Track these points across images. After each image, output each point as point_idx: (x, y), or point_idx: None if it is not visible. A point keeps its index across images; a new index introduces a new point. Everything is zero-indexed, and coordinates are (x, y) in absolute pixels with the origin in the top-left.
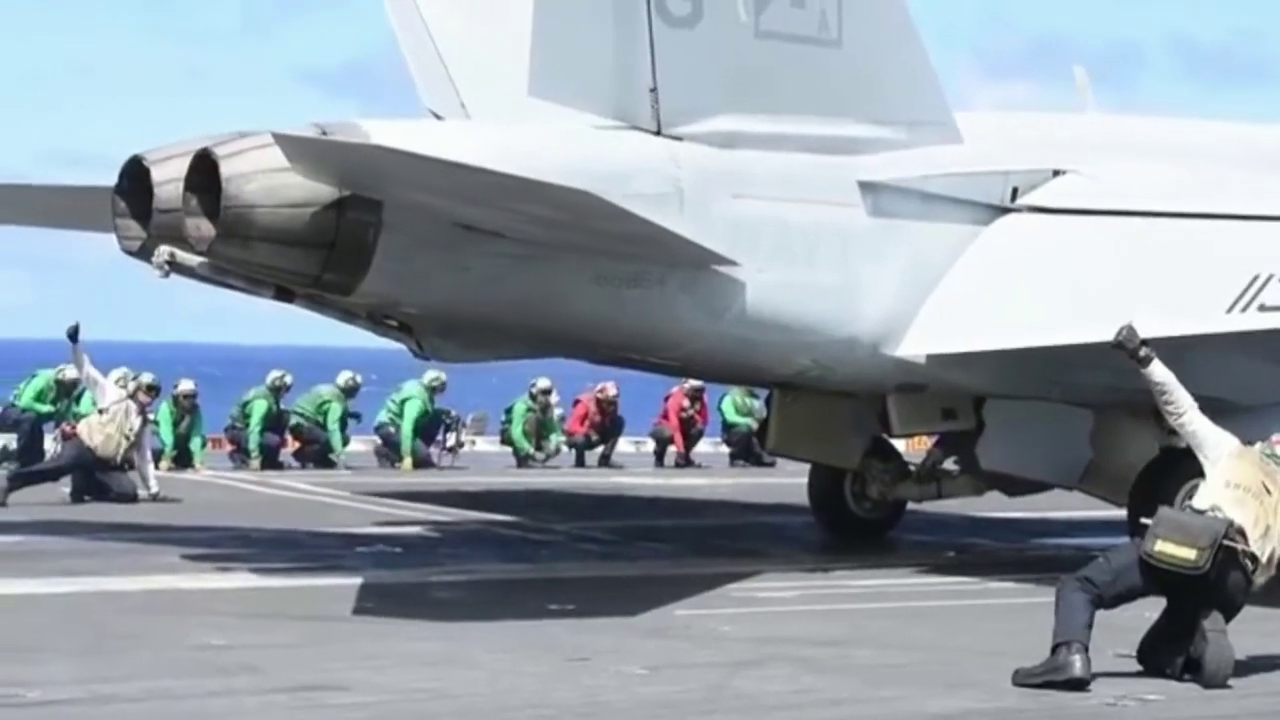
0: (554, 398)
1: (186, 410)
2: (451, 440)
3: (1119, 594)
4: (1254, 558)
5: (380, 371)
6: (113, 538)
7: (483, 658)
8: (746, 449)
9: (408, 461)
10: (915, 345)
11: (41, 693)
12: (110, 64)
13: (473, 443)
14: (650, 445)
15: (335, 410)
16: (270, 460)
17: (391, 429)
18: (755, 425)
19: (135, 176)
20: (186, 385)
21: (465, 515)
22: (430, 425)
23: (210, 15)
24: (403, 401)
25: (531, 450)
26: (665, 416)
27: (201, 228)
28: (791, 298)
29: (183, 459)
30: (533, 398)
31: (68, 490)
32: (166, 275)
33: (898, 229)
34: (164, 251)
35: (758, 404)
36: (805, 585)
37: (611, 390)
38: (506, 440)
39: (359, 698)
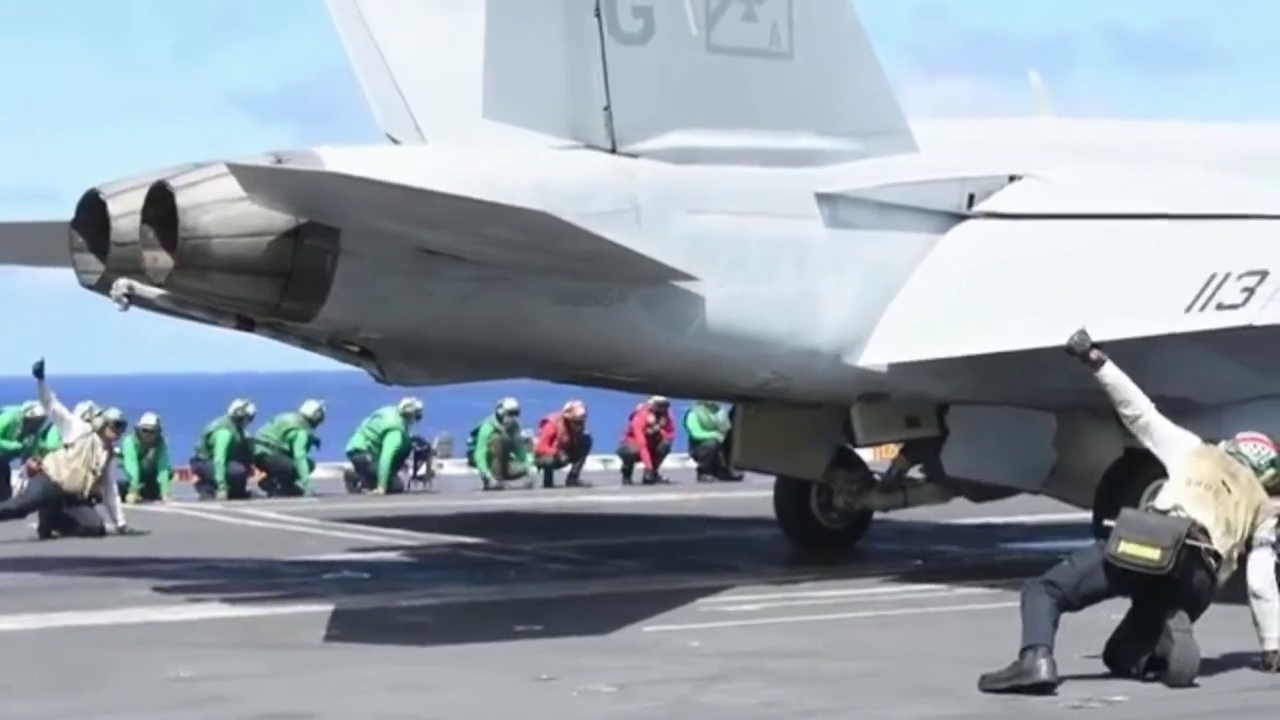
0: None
1: (151, 443)
2: (422, 469)
3: (1084, 596)
4: (1217, 556)
5: (344, 397)
6: (81, 572)
7: (452, 681)
8: (713, 463)
9: (380, 488)
10: (877, 354)
11: None
12: (49, 97)
13: (440, 465)
14: (618, 463)
15: (301, 438)
16: (237, 490)
17: (368, 456)
18: (721, 439)
19: (92, 210)
20: (148, 420)
21: (434, 539)
22: (403, 452)
23: (143, 43)
24: (383, 432)
25: (494, 478)
26: (631, 434)
27: (159, 260)
28: (751, 311)
29: (149, 491)
30: (499, 419)
31: (35, 526)
32: (126, 308)
33: (856, 239)
34: (122, 284)
35: (721, 418)
36: (773, 598)
37: (579, 410)
38: (474, 462)
39: None
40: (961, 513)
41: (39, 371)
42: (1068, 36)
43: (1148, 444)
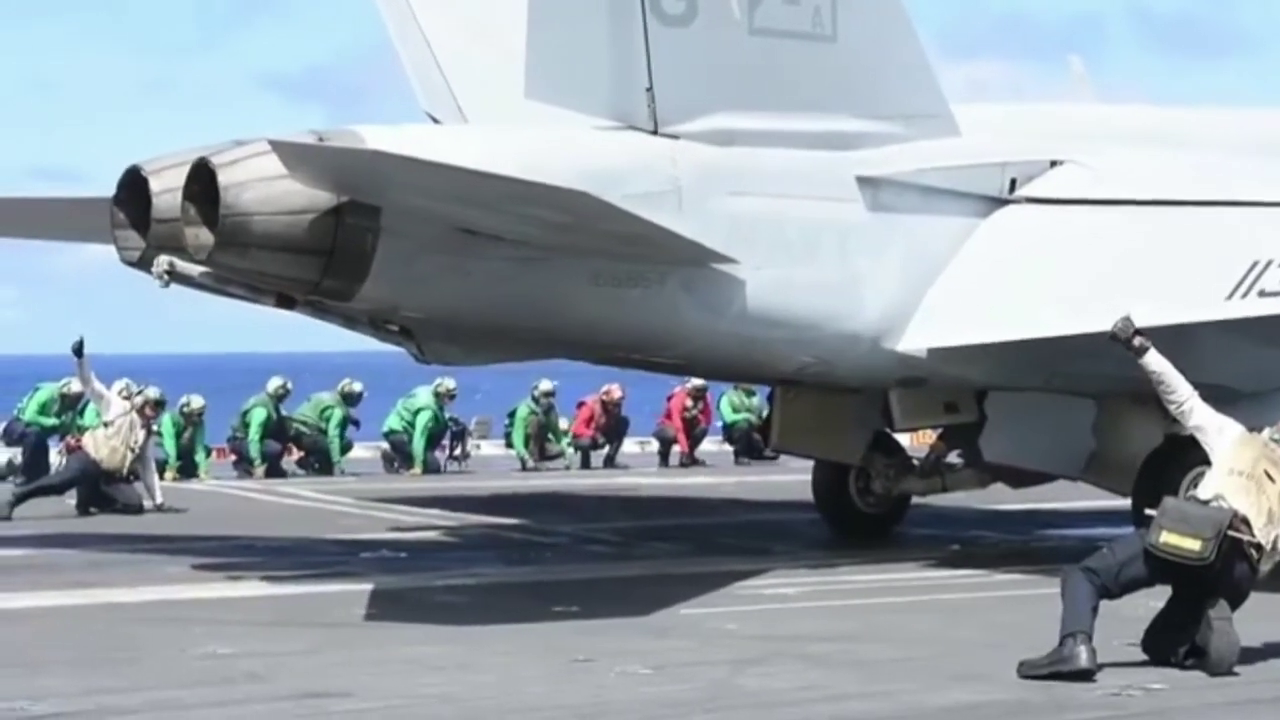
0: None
1: (192, 422)
2: (458, 449)
3: (1124, 584)
4: (1259, 547)
5: (380, 378)
6: (119, 549)
7: (488, 661)
8: (749, 446)
9: (417, 468)
10: (916, 339)
11: (47, 705)
12: (72, 80)
13: (477, 446)
14: (655, 446)
15: (336, 416)
16: (274, 468)
17: (404, 436)
18: (755, 421)
19: (133, 187)
20: (197, 402)
21: (471, 519)
22: (439, 432)
23: (166, 27)
24: (416, 411)
25: (530, 460)
26: (669, 416)
27: (200, 236)
28: (792, 294)
29: (187, 469)
30: (535, 400)
31: (73, 503)
32: (167, 285)
33: (896, 223)
34: (163, 261)
35: (756, 400)
36: (811, 581)
37: (616, 392)
38: (511, 443)
39: (364, 703)
40: (1000, 499)
41: (78, 350)
42: (1094, 18)
43: (1191, 431)
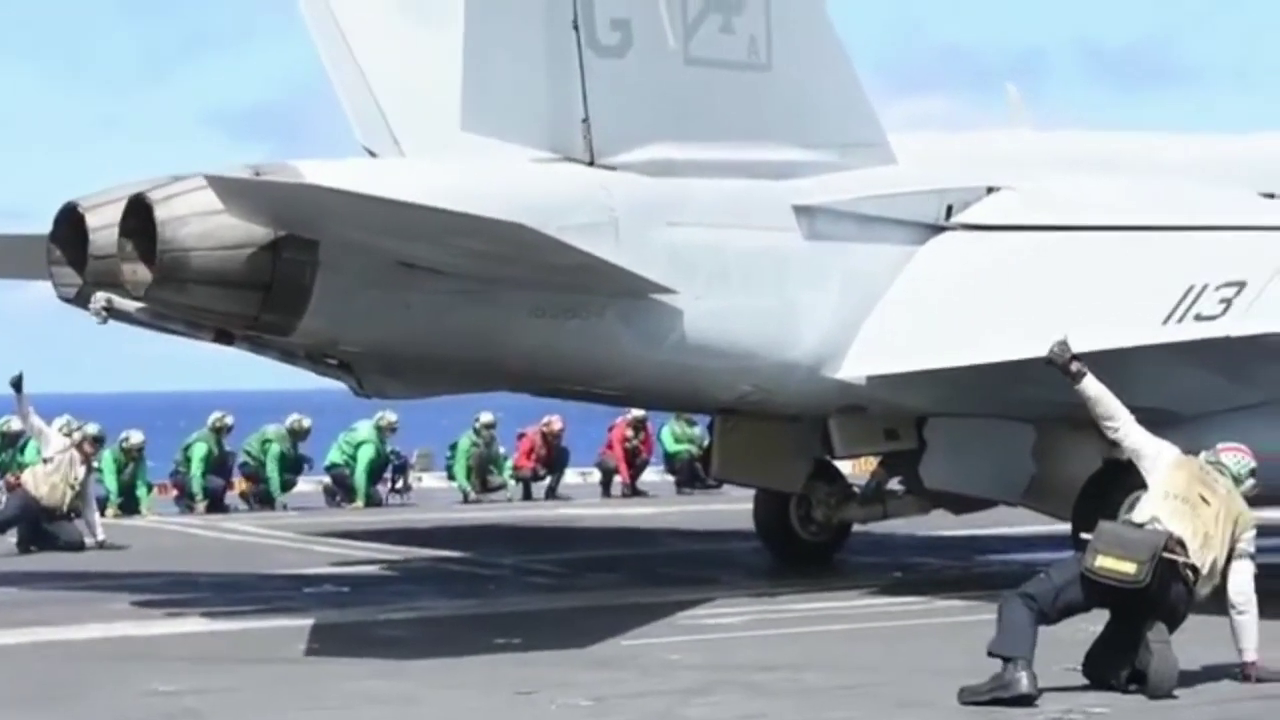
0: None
1: (132, 458)
2: (400, 482)
3: (1062, 609)
4: (1195, 569)
5: (319, 413)
6: (60, 587)
7: (430, 695)
8: (691, 475)
9: (359, 501)
10: (855, 367)
11: None
12: (15, 115)
13: (419, 479)
14: (596, 476)
15: (274, 449)
16: (216, 504)
17: (345, 470)
18: (696, 451)
19: (70, 223)
20: (136, 438)
21: (413, 553)
22: (380, 465)
23: (110, 62)
24: (357, 445)
25: (472, 492)
26: (610, 447)
27: (138, 272)
28: (730, 324)
29: (128, 505)
30: (476, 432)
31: (14, 541)
32: (104, 321)
33: (834, 251)
34: (101, 298)
35: (697, 430)
36: (753, 610)
37: (557, 424)
38: (453, 476)
39: None
40: (940, 525)
41: (17, 385)
42: (1040, 52)
43: (1129, 455)
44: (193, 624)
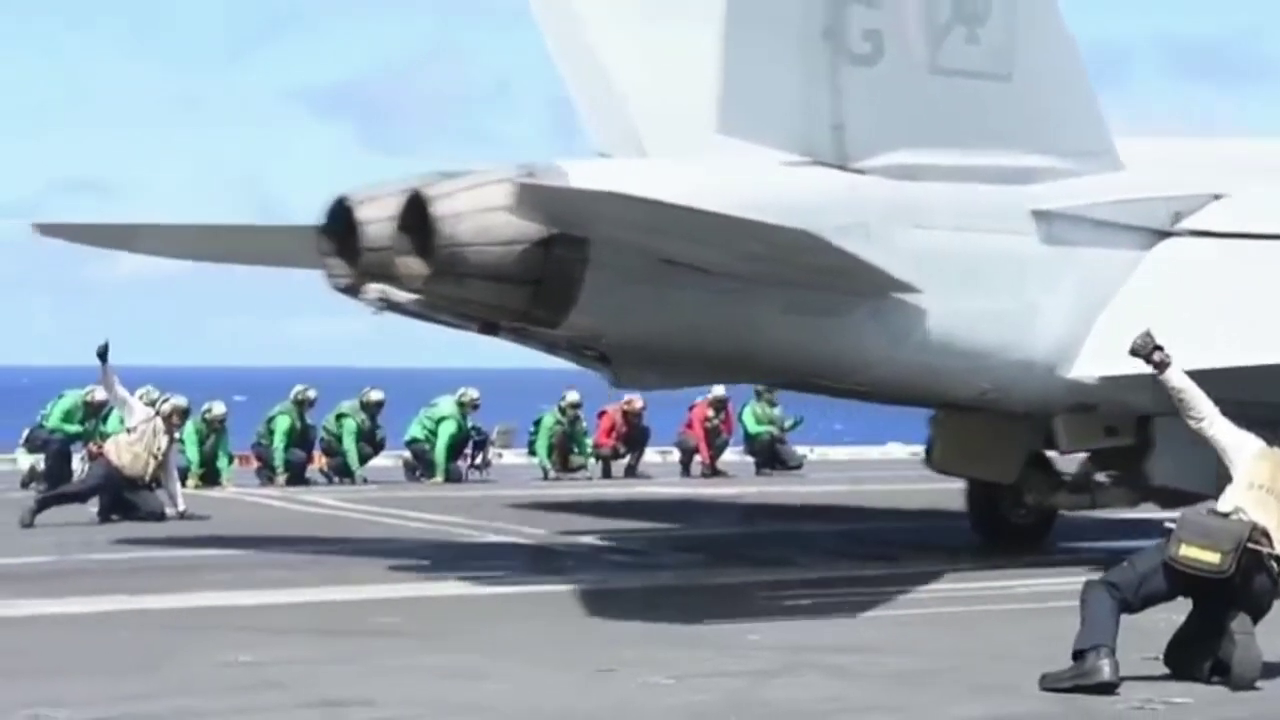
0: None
1: (214, 429)
2: (480, 458)
3: (1144, 598)
4: (1279, 559)
5: (400, 390)
6: (140, 556)
7: (509, 669)
8: (771, 456)
9: (438, 477)
10: (1088, 367)
11: (69, 713)
12: (103, 91)
13: (499, 455)
14: (676, 455)
15: (349, 425)
16: (297, 476)
17: (425, 445)
18: (777, 433)
19: (340, 216)
20: (218, 409)
21: (493, 528)
22: (461, 441)
23: (193, 41)
24: (438, 420)
25: (553, 470)
26: (690, 426)
27: (413, 266)
28: (972, 324)
29: (209, 477)
30: (562, 411)
31: (96, 510)
32: (379, 312)
33: (1068, 255)
34: (376, 289)
35: (778, 412)
36: (833, 592)
37: (638, 403)
38: (534, 452)
39: (385, 712)
40: None
41: (103, 355)
42: (1119, 47)
43: (1215, 448)
44: (273, 595)
